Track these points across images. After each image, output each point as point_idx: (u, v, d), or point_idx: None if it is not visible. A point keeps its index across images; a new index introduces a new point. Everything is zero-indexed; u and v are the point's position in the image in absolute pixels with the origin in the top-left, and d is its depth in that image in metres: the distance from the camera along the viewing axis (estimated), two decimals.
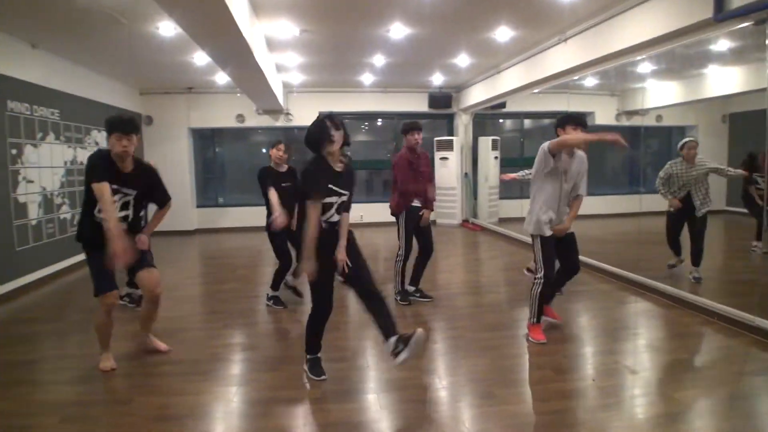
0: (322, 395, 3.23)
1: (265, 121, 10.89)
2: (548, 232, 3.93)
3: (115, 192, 3.40)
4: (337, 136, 3.24)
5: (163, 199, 3.81)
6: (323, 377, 3.37)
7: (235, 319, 4.82)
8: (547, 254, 3.95)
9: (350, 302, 5.03)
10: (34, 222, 6.36)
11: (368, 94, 10.89)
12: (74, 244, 4.76)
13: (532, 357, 3.79)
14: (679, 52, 5.68)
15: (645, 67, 6.89)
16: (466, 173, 11.25)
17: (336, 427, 2.85)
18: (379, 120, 12.07)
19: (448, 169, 11.00)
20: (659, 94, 8.37)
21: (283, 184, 4.90)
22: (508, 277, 6.41)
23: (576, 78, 7.03)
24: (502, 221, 10.50)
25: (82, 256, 4.16)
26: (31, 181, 6.35)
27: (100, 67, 7.99)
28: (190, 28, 4.76)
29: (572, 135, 3.87)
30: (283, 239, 4.97)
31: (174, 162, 10.26)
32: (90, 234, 3.50)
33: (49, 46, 6.59)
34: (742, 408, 2.99)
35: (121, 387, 3.43)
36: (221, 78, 8.84)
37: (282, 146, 4.97)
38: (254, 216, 10.87)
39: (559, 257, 4.06)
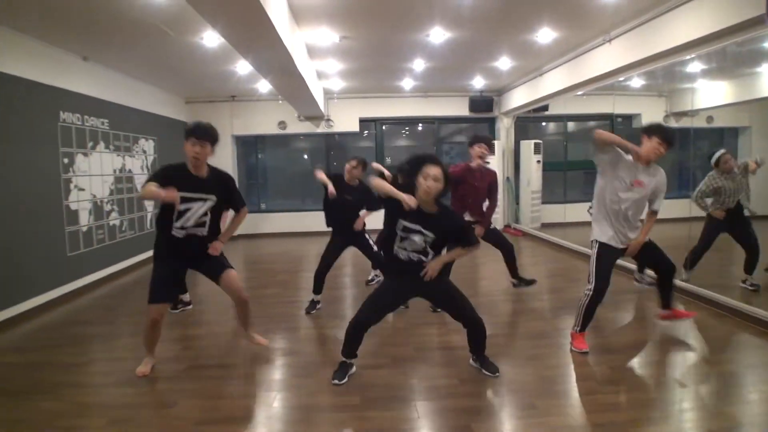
0: (362, 402, 3.22)
1: (307, 127, 11.02)
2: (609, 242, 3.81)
3: (187, 200, 3.51)
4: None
5: (237, 205, 3.91)
6: (336, 382, 3.42)
7: (276, 324, 4.87)
8: (603, 266, 3.80)
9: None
10: (84, 228, 6.60)
11: (408, 99, 10.88)
12: (123, 250, 4.96)
13: (576, 367, 3.69)
14: (730, 51, 5.45)
15: (694, 66, 6.64)
16: (507, 177, 11.10)
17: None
18: (420, 125, 12.03)
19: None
20: (710, 94, 8.05)
21: (347, 197, 5.04)
22: (551, 284, 6.28)
23: (621, 79, 6.84)
24: (545, 226, 10.31)
25: (130, 261, 4.35)
26: (82, 189, 6.59)
27: (147, 77, 8.25)
28: (232, 39, 4.85)
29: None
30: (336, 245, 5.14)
31: (218, 166, 10.45)
32: (164, 246, 3.65)
33: (99, 58, 6.84)
34: None
35: (166, 390, 3.51)
36: (263, 86, 8.99)
37: (354, 162, 5.06)
38: (296, 221, 11.13)
39: (649, 265, 4.13)
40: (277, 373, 3.80)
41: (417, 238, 3.25)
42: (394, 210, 3.22)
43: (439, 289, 3.47)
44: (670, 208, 8.51)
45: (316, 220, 10.18)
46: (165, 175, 3.48)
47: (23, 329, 4.97)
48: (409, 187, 3.20)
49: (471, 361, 3.67)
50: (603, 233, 3.83)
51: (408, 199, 3.05)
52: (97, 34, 5.65)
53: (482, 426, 2.91)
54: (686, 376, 3.53)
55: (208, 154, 3.56)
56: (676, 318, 4.16)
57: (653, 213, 3.87)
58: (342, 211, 5.09)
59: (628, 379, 3.51)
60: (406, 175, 3.23)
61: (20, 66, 5.42)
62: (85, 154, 6.70)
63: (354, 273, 7.08)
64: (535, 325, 4.68)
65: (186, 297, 5.42)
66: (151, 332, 3.68)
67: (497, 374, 3.50)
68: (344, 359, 3.53)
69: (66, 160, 6.26)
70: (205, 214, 3.63)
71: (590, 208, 4.81)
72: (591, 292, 3.78)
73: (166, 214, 3.56)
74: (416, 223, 3.23)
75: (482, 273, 7.08)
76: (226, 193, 3.75)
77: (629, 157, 3.74)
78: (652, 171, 3.76)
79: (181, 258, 3.68)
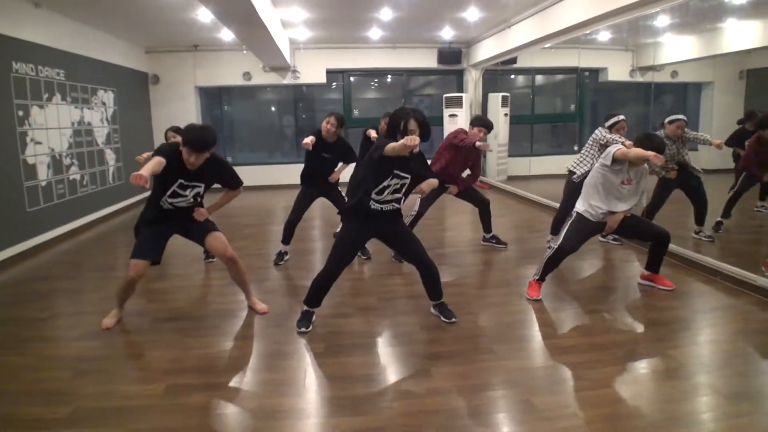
0: (326, 349, 3.31)
1: (273, 78, 10.79)
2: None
3: (184, 187, 3.54)
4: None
5: (234, 184, 3.87)
6: (303, 330, 3.52)
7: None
8: (574, 231, 4.00)
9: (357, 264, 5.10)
10: (44, 183, 6.43)
11: (377, 50, 10.70)
12: (85, 205, 4.88)
13: (536, 314, 3.84)
14: (695, 6, 5.51)
15: (661, 20, 6.69)
16: None
17: (337, 380, 2.93)
18: (389, 77, 11.89)
19: (457, 126, 10.87)
20: (675, 49, 8.14)
21: (324, 154, 4.98)
22: (515, 235, 6.42)
23: (588, 32, 6.85)
24: (511, 179, 10.45)
25: (93, 217, 4.29)
26: (39, 143, 6.38)
27: (104, 25, 7.91)
28: None
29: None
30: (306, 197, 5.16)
31: (182, 121, 10.15)
32: (152, 216, 3.65)
33: (52, 5, 6.52)
34: (738, 366, 3.02)
35: (132, 342, 3.54)
36: (227, 35, 8.71)
37: (332, 119, 4.89)
38: (264, 174, 11.00)
39: (640, 235, 4.34)
40: (243, 324, 3.85)
41: (398, 182, 3.38)
42: (388, 163, 3.27)
43: (398, 231, 3.60)
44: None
45: (284, 173, 10.14)
46: (170, 155, 3.43)
47: None
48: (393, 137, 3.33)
49: (431, 309, 3.79)
50: (583, 205, 4.03)
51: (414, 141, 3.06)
52: None
53: (440, 370, 3.03)
54: (634, 321, 3.71)
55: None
56: (656, 284, 4.28)
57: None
58: (319, 165, 5.04)
59: (583, 326, 3.67)
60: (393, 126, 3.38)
61: None
62: (41, 107, 6.46)
63: (322, 225, 7.12)
64: (498, 275, 4.82)
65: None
66: (127, 288, 3.65)
67: (454, 320, 3.64)
68: (308, 308, 3.61)
69: (21, 113, 6.04)
70: (197, 195, 3.66)
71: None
72: (556, 248, 3.99)
73: (159, 189, 3.55)
74: (403, 171, 3.36)
75: (448, 224, 7.19)
76: (221, 180, 3.78)
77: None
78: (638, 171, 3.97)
79: (168, 223, 3.69)
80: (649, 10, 5.42)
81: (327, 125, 4.88)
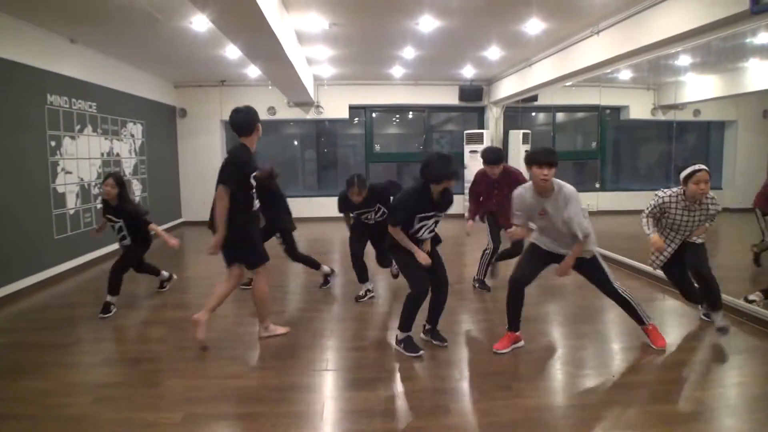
0: (344, 382, 3.30)
1: (296, 113, 11.01)
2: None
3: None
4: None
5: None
6: (419, 353, 3.67)
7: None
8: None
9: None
10: (72, 211, 6.60)
11: (399, 87, 10.89)
12: (110, 233, 5.00)
13: (555, 352, 3.79)
14: (716, 45, 5.53)
15: (682, 59, 6.72)
16: None
17: (355, 414, 2.92)
18: (410, 113, 12.05)
19: (478, 163, 10.89)
20: (697, 87, 8.15)
21: (362, 217, 5.06)
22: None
23: (609, 71, 6.91)
24: None
25: (117, 245, 4.41)
26: (69, 172, 6.58)
27: (135, 61, 8.21)
28: (220, 23, 4.85)
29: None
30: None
31: (207, 153, 10.51)
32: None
33: (86, 41, 6.81)
34: (766, 410, 2.94)
35: (151, 370, 3.55)
36: (253, 71, 8.97)
37: (355, 188, 4.69)
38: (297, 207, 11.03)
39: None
40: (262, 355, 3.86)
41: (430, 222, 3.70)
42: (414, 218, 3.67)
43: (432, 252, 3.82)
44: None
45: (306, 207, 10.22)
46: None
47: (9, 311, 5.00)
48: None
49: (422, 334, 3.93)
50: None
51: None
52: (85, 16, 5.62)
53: (459, 407, 3.00)
54: (662, 362, 3.62)
55: None
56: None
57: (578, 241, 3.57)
58: (364, 227, 5.09)
59: (605, 364, 3.60)
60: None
61: (6, 48, 5.40)
62: (73, 138, 6.68)
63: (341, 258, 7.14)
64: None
65: (164, 274, 5.58)
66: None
67: (446, 343, 3.84)
68: (406, 333, 3.75)
69: (53, 143, 6.25)
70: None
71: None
72: (489, 252, 5.31)
73: None
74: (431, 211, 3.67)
75: (467, 260, 7.15)
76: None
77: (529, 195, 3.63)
78: (554, 198, 3.54)
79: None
80: (671, 50, 5.46)
81: (354, 194, 4.73)
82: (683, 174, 3.79)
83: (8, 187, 5.41)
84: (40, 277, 5.83)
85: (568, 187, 3.52)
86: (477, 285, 5.54)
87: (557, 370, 3.53)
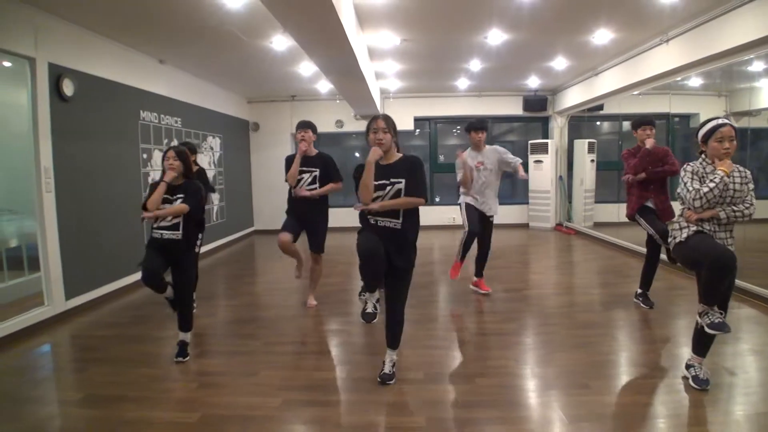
0: (424, 377, 3.51)
1: (362, 126, 11.27)
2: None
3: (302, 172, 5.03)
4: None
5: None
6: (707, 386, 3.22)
7: (339, 308, 5.25)
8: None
9: (440, 299, 5.30)
10: None
11: (462, 98, 11.09)
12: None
13: (629, 354, 3.87)
14: None
15: (756, 65, 6.60)
16: (560, 176, 11.15)
17: (435, 405, 3.13)
18: None
19: (542, 172, 10.97)
20: None
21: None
22: (602, 280, 6.39)
23: (679, 79, 6.87)
24: (598, 225, 10.32)
25: (204, 249, 4.74)
26: None
27: (215, 78, 8.79)
28: (302, 40, 5.17)
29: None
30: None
31: (278, 165, 10.93)
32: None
33: (173, 62, 7.39)
34: None
35: (248, 361, 3.88)
36: (323, 86, 9.39)
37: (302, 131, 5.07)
38: (348, 216, 11.40)
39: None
40: (343, 350, 4.15)
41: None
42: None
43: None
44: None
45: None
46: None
47: (111, 307, 5.50)
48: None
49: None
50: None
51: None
52: (174, 39, 6.15)
53: (536, 401, 3.15)
54: (736, 365, 3.64)
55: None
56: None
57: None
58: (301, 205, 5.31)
59: (678, 366, 3.65)
60: None
61: (106, 68, 5.97)
62: (161, 150, 7.23)
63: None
64: (586, 316, 4.85)
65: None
66: (285, 250, 5.02)
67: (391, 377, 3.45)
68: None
69: (145, 156, 6.80)
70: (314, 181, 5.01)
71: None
72: (466, 234, 5.25)
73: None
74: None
75: (534, 268, 7.24)
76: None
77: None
78: (485, 152, 5.42)
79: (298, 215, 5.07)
80: (743, 57, 5.43)
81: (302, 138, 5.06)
82: (702, 131, 3.24)
83: (109, 195, 5.96)
84: (135, 277, 6.33)
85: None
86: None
87: (632, 369, 3.62)
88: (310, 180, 5.05)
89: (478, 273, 5.57)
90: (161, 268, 3.85)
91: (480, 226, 5.26)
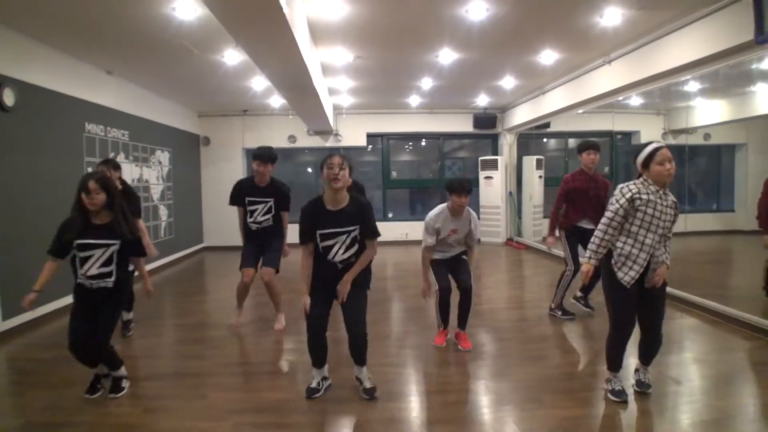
0: (378, 395, 3.46)
1: (315, 141, 11.33)
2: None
3: (254, 203, 4.96)
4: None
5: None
6: (626, 397, 3.28)
7: (291, 326, 5.16)
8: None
9: (393, 316, 5.28)
10: None
11: (414, 115, 11.22)
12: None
13: (579, 367, 3.95)
14: (725, 72, 5.75)
15: (691, 85, 6.95)
16: (510, 192, 11.39)
17: (384, 423, 3.09)
18: (423, 140, 12.33)
19: (492, 188, 11.19)
20: (707, 112, 8.36)
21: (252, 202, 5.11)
22: (553, 294, 6.51)
23: (621, 98, 7.16)
24: None
25: (146, 268, 4.41)
26: None
27: (165, 91, 8.59)
28: (255, 54, 5.10)
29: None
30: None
31: (229, 180, 10.68)
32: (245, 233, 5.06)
33: (122, 73, 7.18)
34: None
35: (196, 384, 3.74)
36: (275, 101, 9.32)
37: (260, 161, 4.90)
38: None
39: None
40: (295, 370, 4.05)
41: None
42: None
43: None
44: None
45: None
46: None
47: (53, 326, 5.22)
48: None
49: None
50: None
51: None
52: (123, 50, 5.98)
53: (494, 416, 3.17)
54: (681, 374, 3.77)
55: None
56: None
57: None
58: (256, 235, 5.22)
59: (626, 377, 3.75)
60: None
61: (50, 78, 5.74)
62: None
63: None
64: (538, 330, 4.94)
65: (129, 315, 4.96)
66: (239, 290, 5.00)
67: (373, 393, 3.43)
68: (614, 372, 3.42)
69: (89, 169, 6.54)
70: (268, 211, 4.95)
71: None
72: (438, 294, 4.40)
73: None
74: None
75: (486, 283, 7.32)
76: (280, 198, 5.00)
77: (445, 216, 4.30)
78: (463, 219, 4.31)
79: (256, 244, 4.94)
80: (681, 77, 5.71)
81: (259, 168, 4.90)
82: (641, 157, 3.23)
83: (50, 211, 5.67)
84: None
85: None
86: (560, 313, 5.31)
87: (581, 382, 3.68)
88: (264, 210, 4.96)
89: (461, 325, 4.44)
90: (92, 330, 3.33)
91: (449, 279, 4.43)
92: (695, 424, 2.99)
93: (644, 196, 3.14)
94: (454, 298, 4.34)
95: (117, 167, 4.83)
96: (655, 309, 3.25)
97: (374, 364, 3.97)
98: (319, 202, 3.38)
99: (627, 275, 3.15)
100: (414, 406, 3.36)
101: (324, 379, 3.51)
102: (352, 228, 3.32)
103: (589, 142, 5.20)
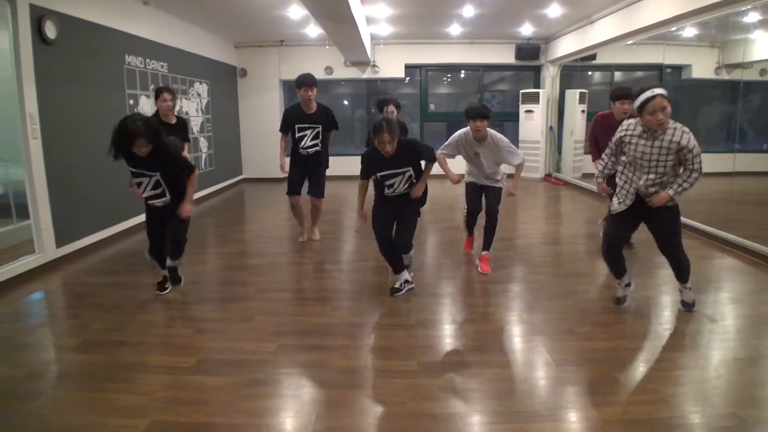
0: (415, 323, 3.60)
1: (353, 72, 11.17)
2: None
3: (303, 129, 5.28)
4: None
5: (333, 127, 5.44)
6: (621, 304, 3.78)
7: (330, 255, 5.32)
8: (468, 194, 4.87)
9: (429, 248, 5.37)
10: None
11: (454, 45, 10.89)
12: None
13: (613, 302, 3.98)
14: None
15: (750, 16, 6.54)
16: (551, 126, 11.13)
17: (426, 350, 3.23)
18: (462, 72, 12.03)
19: (532, 122, 10.94)
20: (766, 46, 7.87)
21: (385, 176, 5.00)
22: (589, 231, 6.49)
23: (674, 29, 6.79)
24: (586, 176, 10.39)
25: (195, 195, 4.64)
26: None
27: (201, 21, 8.52)
28: None
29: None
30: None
31: (266, 111, 10.86)
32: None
33: (158, 3, 7.14)
34: None
35: (242, 308, 3.94)
36: (312, 31, 9.17)
37: (384, 135, 3.82)
38: (336, 165, 11.33)
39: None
40: (333, 297, 4.22)
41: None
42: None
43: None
44: (714, 161, 8.47)
45: (353, 164, 10.55)
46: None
47: (104, 254, 5.53)
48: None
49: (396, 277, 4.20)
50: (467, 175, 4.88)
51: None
52: None
53: (524, 345, 3.27)
54: (716, 313, 3.76)
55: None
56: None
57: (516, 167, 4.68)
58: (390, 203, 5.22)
59: (661, 314, 3.79)
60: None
61: (89, 10, 5.75)
62: (148, 96, 7.08)
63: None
64: (572, 265, 4.97)
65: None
66: (294, 213, 5.55)
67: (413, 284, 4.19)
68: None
69: (131, 102, 6.66)
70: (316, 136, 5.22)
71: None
72: (465, 213, 5.05)
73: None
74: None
75: (522, 218, 7.32)
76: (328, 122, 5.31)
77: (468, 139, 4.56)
78: (486, 144, 4.53)
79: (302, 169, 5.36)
80: (741, 6, 5.37)
81: (385, 145, 3.89)
82: (636, 102, 3.29)
83: (97, 142, 5.83)
84: (126, 225, 6.33)
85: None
86: None
87: (619, 316, 3.74)
88: (312, 136, 5.22)
89: (485, 246, 4.75)
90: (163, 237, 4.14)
91: (479, 202, 4.81)
92: (728, 362, 3.02)
93: (629, 136, 3.40)
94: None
95: (173, 95, 5.13)
96: (664, 233, 3.57)
97: (411, 293, 4.11)
98: (376, 151, 3.95)
99: (615, 203, 3.57)
100: (448, 333, 3.49)
101: (406, 281, 4.16)
102: (406, 169, 4.00)
103: (624, 90, 4.86)
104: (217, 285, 4.62)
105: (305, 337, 3.40)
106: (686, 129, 3.24)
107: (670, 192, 3.32)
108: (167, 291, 4.22)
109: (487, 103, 11.88)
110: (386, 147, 3.82)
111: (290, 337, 3.40)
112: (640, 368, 2.97)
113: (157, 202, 4.02)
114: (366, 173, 4.12)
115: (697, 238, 5.81)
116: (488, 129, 4.47)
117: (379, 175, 4.04)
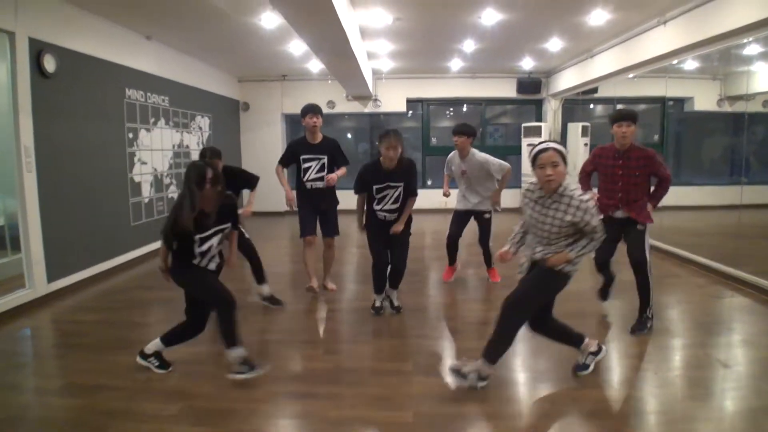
0: (414, 368, 3.43)
1: (354, 107, 11.20)
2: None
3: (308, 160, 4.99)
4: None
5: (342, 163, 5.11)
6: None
7: (328, 295, 5.17)
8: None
9: (430, 286, 5.21)
10: (146, 200, 6.99)
11: (456, 80, 10.92)
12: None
13: (622, 345, 3.81)
14: None
15: (752, 49, 6.50)
16: None
17: (422, 399, 3.05)
18: (465, 106, 12.03)
19: None
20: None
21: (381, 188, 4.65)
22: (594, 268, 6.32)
23: (675, 62, 6.75)
24: None
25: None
26: (145, 163, 6.97)
27: (204, 56, 8.58)
28: (292, 18, 5.01)
29: None
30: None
31: (268, 145, 10.84)
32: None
33: (161, 38, 7.18)
34: None
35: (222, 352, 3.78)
36: (314, 66, 9.20)
37: (391, 140, 4.13)
38: (350, 199, 11.25)
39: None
40: (328, 339, 4.06)
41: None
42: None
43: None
44: (720, 194, 8.32)
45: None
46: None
47: (93, 291, 5.40)
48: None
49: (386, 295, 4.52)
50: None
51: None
52: (162, 13, 5.96)
53: (529, 395, 3.10)
54: (729, 357, 3.59)
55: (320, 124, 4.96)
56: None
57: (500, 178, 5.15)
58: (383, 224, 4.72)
59: (670, 359, 3.61)
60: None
61: (90, 44, 5.77)
62: (148, 130, 7.07)
63: None
64: (579, 305, 4.80)
65: (265, 290, 4.91)
66: (306, 256, 4.99)
67: (399, 309, 4.50)
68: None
69: (131, 135, 6.63)
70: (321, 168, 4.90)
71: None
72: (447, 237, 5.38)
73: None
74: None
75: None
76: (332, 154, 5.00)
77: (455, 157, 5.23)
78: (468, 159, 5.12)
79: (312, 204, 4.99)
80: (742, 39, 5.32)
81: (389, 151, 4.15)
82: (531, 157, 3.03)
83: (93, 176, 5.80)
84: (118, 261, 6.23)
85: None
86: None
87: (621, 364, 3.56)
88: (318, 168, 4.92)
89: (487, 265, 5.51)
90: None
91: (461, 229, 5.38)
92: (742, 411, 2.84)
93: (527, 199, 3.11)
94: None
95: (218, 155, 4.84)
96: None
97: (410, 335, 3.96)
98: (377, 165, 4.26)
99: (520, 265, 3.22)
100: (446, 382, 3.30)
101: (384, 300, 4.51)
102: (399, 184, 4.25)
103: (621, 111, 4.20)
104: (208, 325, 4.45)
105: (297, 384, 3.24)
106: (584, 200, 2.88)
107: (571, 255, 2.95)
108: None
109: (489, 137, 11.92)
110: (390, 152, 4.08)
111: (281, 383, 3.24)
112: (650, 420, 2.79)
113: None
114: (361, 187, 4.36)
115: (706, 275, 5.64)
116: (472, 148, 5.14)
117: (375, 187, 4.24)
